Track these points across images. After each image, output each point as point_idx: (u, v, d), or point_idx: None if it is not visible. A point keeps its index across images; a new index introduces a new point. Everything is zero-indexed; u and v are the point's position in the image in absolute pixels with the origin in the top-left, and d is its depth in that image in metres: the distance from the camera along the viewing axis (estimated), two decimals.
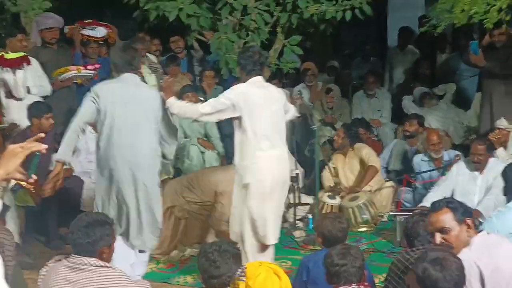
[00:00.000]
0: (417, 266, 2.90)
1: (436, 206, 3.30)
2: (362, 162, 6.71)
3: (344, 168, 6.80)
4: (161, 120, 4.91)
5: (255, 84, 4.84)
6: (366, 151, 6.70)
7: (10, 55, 6.53)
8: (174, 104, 4.83)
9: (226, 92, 4.88)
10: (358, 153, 6.73)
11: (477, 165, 5.93)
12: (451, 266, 2.84)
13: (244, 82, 4.85)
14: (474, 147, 5.96)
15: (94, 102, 4.82)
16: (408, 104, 7.94)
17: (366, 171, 6.61)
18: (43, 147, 2.16)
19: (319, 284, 3.76)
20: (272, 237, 4.84)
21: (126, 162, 4.74)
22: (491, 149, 6.01)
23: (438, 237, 3.25)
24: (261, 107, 4.77)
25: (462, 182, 5.99)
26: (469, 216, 3.28)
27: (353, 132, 6.81)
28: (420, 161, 6.69)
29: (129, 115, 4.77)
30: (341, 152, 6.83)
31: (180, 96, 7.27)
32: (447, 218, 3.23)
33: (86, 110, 4.85)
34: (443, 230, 3.24)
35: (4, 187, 2.26)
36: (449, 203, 3.31)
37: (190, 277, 5.18)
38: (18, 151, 2.13)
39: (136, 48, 5.20)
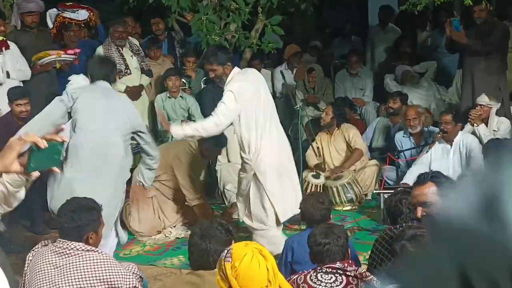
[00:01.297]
0: (396, 244, 2.92)
1: (421, 179, 3.30)
2: (348, 143, 6.74)
3: (329, 146, 6.83)
4: (133, 130, 4.75)
5: (243, 75, 4.94)
6: (353, 133, 6.73)
7: None
8: (184, 130, 4.84)
9: (229, 96, 4.83)
10: (344, 134, 6.75)
11: (446, 136, 6.05)
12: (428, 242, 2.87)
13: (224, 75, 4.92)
14: (441, 117, 6.19)
15: (65, 106, 4.67)
16: (390, 83, 7.97)
17: (351, 153, 6.64)
18: (37, 140, 2.12)
19: (303, 264, 3.79)
20: (290, 212, 4.99)
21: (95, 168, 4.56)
22: (459, 121, 6.10)
23: (419, 211, 3.25)
24: (253, 96, 4.88)
25: (436, 157, 6.08)
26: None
27: (341, 111, 6.81)
28: (401, 138, 6.76)
29: (99, 125, 4.61)
30: (326, 131, 6.84)
31: (163, 79, 7.25)
32: (430, 192, 3.22)
33: (53, 111, 4.69)
34: (425, 204, 3.24)
35: (27, 178, 2.24)
36: (434, 177, 3.30)
37: (176, 259, 5.20)
38: (14, 143, 2.12)
39: (114, 63, 5.13)
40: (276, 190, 4.95)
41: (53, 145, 2.21)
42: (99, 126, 4.61)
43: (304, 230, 4.26)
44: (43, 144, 2.13)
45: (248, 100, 4.85)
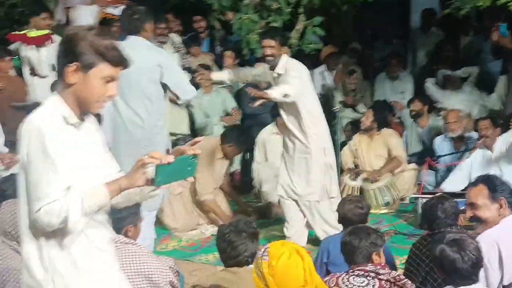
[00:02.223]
0: (435, 248, 2.91)
1: (475, 181, 3.40)
2: (388, 149, 6.66)
3: (368, 150, 6.75)
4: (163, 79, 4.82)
5: (299, 63, 5.28)
6: (395, 141, 6.65)
7: (34, 33, 6.57)
8: (272, 93, 4.93)
9: (295, 73, 5.10)
10: (385, 139, 6.66)
11: (487, 141, 5.95)
12: (468, 247, 2.86)
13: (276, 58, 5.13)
14: (479, 123, 6.16)
15: None
16: (431, 87, 7.87)
17: (390, 161, 6.57)
18: (164, 161, 2.29)
19: (338, 266, 3.78)
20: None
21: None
22: (497, 126, 6.03)
23: (469, 212, 3.32)
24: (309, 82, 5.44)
25: (476, 164, 6.01)
26: (507, 196, 3.28)
27: (381, 115, 6.75)
28: (441, 142, 6.68)
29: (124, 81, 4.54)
30: (366, 134, 6.78)
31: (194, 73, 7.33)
32: (480, 194, 3.29)
33: None
34: (473, 205, 3.30)
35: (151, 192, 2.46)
36: (487, 180, 3.36)
37: (211, 255, 5.23)
38: (142, 161, 2.31)
39: (133, 11, 5.00)
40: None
41: (184, 158, 2.35)
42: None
43: (340, 232, 4.25)
44: (167, 160, 2.29)
45: (307, 83, 5.24)
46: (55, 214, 2.22)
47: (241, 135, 6.22)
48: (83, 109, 2.39)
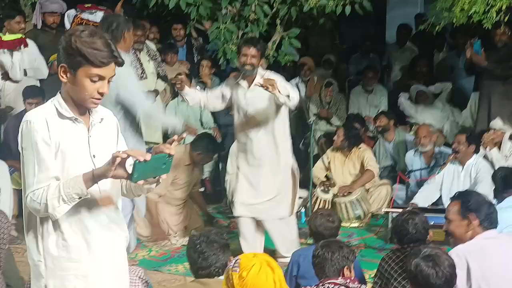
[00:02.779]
0: (410, 262, 2.93)
1: (454, 196, 3.53)
2: (362, 164, 6.70)
3: (342, 167, 6.77)
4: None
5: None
6: (368, 155, 6.68)
7: (8, 37, 6.51)
8: (280, 87, 4.86)
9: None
10: (359, 155, 6.70)
11: (458, 156, 6.02)
12: (443, 263, 2.89)
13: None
14: (456, 137, 6.19)
15: None
16: (404, 102, 7.95)
17: (362, 174, 6.61)
18: (141, 158, 2.39)
19: (308, 279, 3.78)
20: None
21: None
22: (472, 143, 6.06)
23: (444, 225, 3.46)
24: None
25: (447, 178, 6.07)
26: (477, 214, 3.35)
27: (353, 133, 6.77)
28: (411, 157, 6.73)
29: None
30: (341, 152, 6.80)
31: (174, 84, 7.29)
32: (452, 210, 3.42)
33: None
34: (447, 220, 3.44)
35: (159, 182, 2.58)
36: (462, 196, 3.49)
37: (181, 266, 5.20)
38: (116, 155, 2.41)
39: (112, 20, 4.94)
40: None
41: (160, 156, 2.45)
42: None
43: (311, 245, 4.26)
44: (144, 158, 2.38)
45: None
46: (37, 201, 2.44)
47: (210, 144, 6.16)
48: (80, 105, 2.54)
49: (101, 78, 2.48)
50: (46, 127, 2.48)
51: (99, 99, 2.52)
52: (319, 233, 4.14)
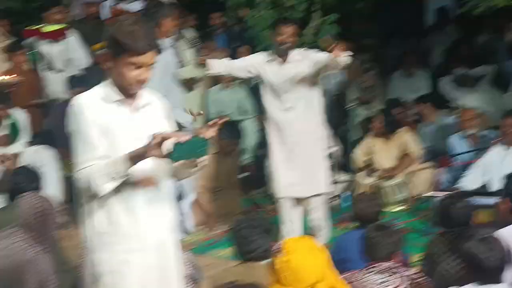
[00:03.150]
0: (462, 245, 2.90)
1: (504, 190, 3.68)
2: (404, 148, 6.63)
3: (382, 151, 6.71)
4: None
5: None
6: (409, 139, 6.61)
7: (49, 28, 6.61)
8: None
9: None
10: (401, 139, 6.63)
11: (505, 138, 5.87)
12: (497, 245, 2.84)
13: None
14: (503, 120, 6.02)
15: None
16: (447, 85, 7.84)
17: (404, 158, 6.54)
18: (179, 139, 2.48)
19: (353, 262, 3.77)
20: None
21: None
22: None
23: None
24: None
25: (492, 161, 5.96)
26: None
27: (391, 119, 6.69)
28: (456, 140, 6.63)
29: None
30: (382, 137, 6.72)
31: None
32: (503, 207, 3.53)
33: None
34: (496, 210, 3.60)
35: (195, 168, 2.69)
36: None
37: (227, 250, 5.22)
38: (157, 136, 2.51)
39: (152, 5, 5.08)
40: None
41: (197, 138, 2.53)
42: None
43: (355, 229, 4.24)
44: (181, 138, 2.47)
45: None
46: (83, 180, 2.59)
47: (233, 129, 6.13)
48: (124, 89, 2.65)
49: (140, 66, 2.57)
50: (92, 109, 2.61)
51: (140, 85, 2.61)
52: (362, 216, 4.14)
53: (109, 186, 2.56)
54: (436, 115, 7.20)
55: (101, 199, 2.61)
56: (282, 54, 5.09)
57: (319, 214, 5.29)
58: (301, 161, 5.10)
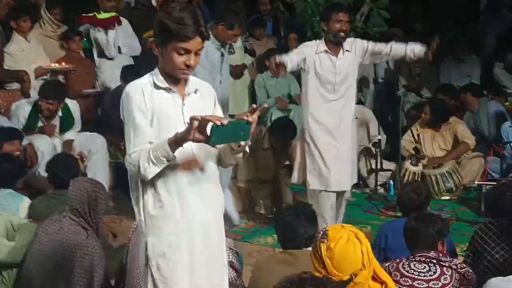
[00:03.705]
0: None
1: None
2: (455, 137, 6.53)
3: (432, 141, 6.62)
4: None
5: None
6: (461, 128, 6.50)
7: (102, 15, 6.73)
8: None
9: None
10: (452, 129, 6.52)
11: None
12: None
13: None
14: None
15: None
16: (499, 72, 7.67)
17: (457, 146, 6.43)
18: (218, 122, 2.49)
19: (397, 252, 3.76)
20: None
21: None
22: None
23: None
24: None
25: None
26: None
27: (440, 108, 6.55)
28: (508, 128, 6.48)
29: None
30: (430, 127, 6.61)
31: (265, 59, 7.31)
32: None
33: None
34: None
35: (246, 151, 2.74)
36: None
37: (270, 238, 5.28)
38: (195, 118, 2.53)
39: None
40: None
41: (238, 122, 2.54)
42: None
43: (400, 218, 4.23)
44: (220, 122, 2.48)
45: None
46: (132, 164, 2.65)
47: (286, 128, 5.88)
48: (174, 76, 2.70)
49: (187, 51, 2.63)
50: (142, 96, 2.67)
51: (188, 70, 2.66)
52: (406, 205, 4.11)
53: (155, 170, 2.61)
54: (485, 103, 7.04)
55: (149, 183, 2.68)
56: (337, 43, 4.92)
57: (344, 204, 5.27)
58: (345, 154, 5.01)
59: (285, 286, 2.35)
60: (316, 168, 5.00)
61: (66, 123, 5.80)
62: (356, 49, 4.99)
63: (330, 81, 4.95)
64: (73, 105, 5.91)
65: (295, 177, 5.22)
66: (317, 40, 5.09)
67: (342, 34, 4.86)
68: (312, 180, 5.02)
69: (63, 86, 5.91)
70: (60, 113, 5.72)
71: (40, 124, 5.68)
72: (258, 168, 5.89)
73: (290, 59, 4.87)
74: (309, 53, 4.94)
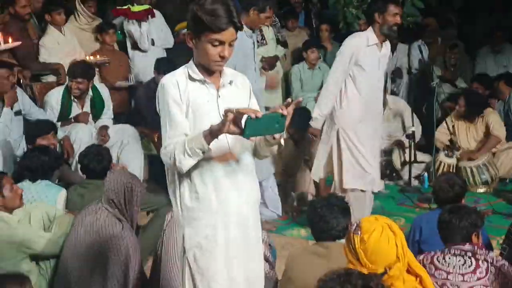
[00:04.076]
0: None
1: None
2: (487, 128, 6.44)
3: (467, 132, 6.53)
4: None
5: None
6: (493, 119, 6.40)
7: (136, 8, 6.77)
8: None
9: None
10: (485, 119, 6.44)
11: None
12: None
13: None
14: None
15: None
16: None
17: (488, 140, 6.35)
18: (253, 115, 2.50)
19: (431, 244, 3.74)
20: None
21: None
22: None
23: None
24: None
25: None
26: None
27: (475, 101, 6.46)
28: None
29: None
30: (465, 118, 6.53)
31: (302, 50, 7.30)
32: None
33: None
34: None
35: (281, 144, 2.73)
36: None
37: (303, 230, 5.28)
38: (229, 111, 2.54)
39: None
40: None
41: (272, 115, 2.53)
42: None
43: (434, 210, 4.19)
44: (255, 114, 2.48)
45: None
46: (167, 155, 2.65)
47: (301, 120, 5.50)
48: (208, 68, 2.71)
49: (221, 42, 2.63)
50: (177, 88, 2.68)
51: (222, 62, 2.67)
52: (441, 197, 4.08)
53: (190, 162, 2.63)
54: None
55: (185, 175, 2.70)
56: (391, 36, 4.79)
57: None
58: (378, 151, 5.01)
59: (332, 279, 2.35)
60: (358, 168, 4.88)
61: (98, 108, 5.89)
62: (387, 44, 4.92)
63: (375, 75, 4.84)
64: (102, 88, 6.00)
65: (317, 174, 5.16)
66: (364, 32, 4.90)
67: (395, 27, 4.75)
68: (354, 180, 4.89)
69: (89, 65, 5.97)
70: (90, 94, 5.80)
71: (73, 105, 5.75)
72: (283, 160, 5.90)
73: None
74: (358, 46, 4.78)
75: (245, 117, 2.52)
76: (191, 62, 2.74)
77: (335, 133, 4.95)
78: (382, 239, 2.70)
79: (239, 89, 2.80)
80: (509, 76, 7.05)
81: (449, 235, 3.37)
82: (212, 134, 2.59)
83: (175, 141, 2.63)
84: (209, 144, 2.61)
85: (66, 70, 6.00)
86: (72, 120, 5.76)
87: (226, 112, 2.53)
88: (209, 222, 2.73)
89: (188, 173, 2.69)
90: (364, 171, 4.89)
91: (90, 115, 5.84)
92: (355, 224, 2.79)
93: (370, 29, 4.81)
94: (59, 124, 5.66)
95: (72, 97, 5.74)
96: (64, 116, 5.73)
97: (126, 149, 5.77)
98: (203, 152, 2.62)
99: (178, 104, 2.66)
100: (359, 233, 2.73)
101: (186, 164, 2.63)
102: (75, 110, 5.79)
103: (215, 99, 2.72)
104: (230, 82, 2.77)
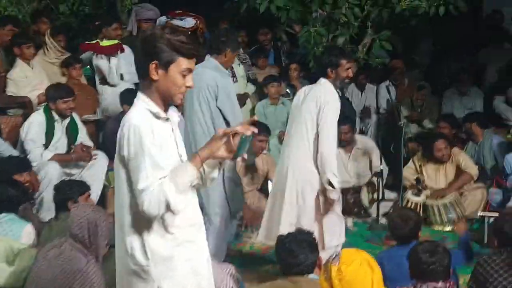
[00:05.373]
0: None
1: None
2: (457, 168, 6.51)
3: (435, 172, 6.58)
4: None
5: None
6: (463, 158, 6.48)
7: (106, 43, 6.78)
8: None
9: None
10: (455, 160, 6.51)
11: None
12: None
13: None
14: None
15: None
16: (500, 105, 7.69)
17: (460, 176, 6.42)
18: (248, 132, 2.50)
19: (394, 281, 3.71)
20: None
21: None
22: None
23: None
24: None
25: None
26: None
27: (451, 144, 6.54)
28: (511, 160, 6.46)
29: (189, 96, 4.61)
30: (436, 162, 6.57)
31: (262, 86, 7.36)
32: None
33: None
34: None
35: (218, 167, 2.68)
36: None
37: (271, 265, 5.23)
38: (220, 133, 2.55)
39: (223, 33, 4.85)
40: None
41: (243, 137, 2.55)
42: None
43: (394, 247, 4.21)
44: (250, 131, 2.51)
45: None
46: (156, 201, 2.47)
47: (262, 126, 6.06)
48: (167, 102, 2.61)
49: (190, 71, 2.60)
50: (151, 130, 2.53)
51: (185, 93, 2.62)
52: (396, 234, 4.11)
53: (183, 199, 2.54)
54: (488, 134, 7.03)
55: (161, 226, 2.58)
56: (341, 89, 4.93)
57: None
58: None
59: None
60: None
61: (74, 133, 5.99)
62: None
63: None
64: (75, 115, 6.07)
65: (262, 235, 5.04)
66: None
67: (347, 80, 4.87)
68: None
69: (65, 84, 6.04)
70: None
71: (56, 127, 5.81)
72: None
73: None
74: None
75: (237, 137, 2.55)
76: (143, 97, 2.59)
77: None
78: (359, 272, 2.72)
79: (175, 119, 2.73)
80: (481, 118, 7.12)
81: (419, 272, 3.35)
82: (202, 160, 2.55)
83: (159, 182, 2.48)
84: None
85: (33, 103, 5.96)
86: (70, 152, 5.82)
87: (222, 133, 2.54)
88: (186, 256, 2.66)
89: (160, 224, 2.58)
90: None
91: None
92: (334, 255, 2.80)
93: (326, 81, 4.72)
94: (50, 154, 5.67)
95: (56, 118, 5.78)
96: (49, 139, 5.73)
97: (92, 168, 5.81)
98: (191, 185, 2.58)
99: (157, 146, 2.51)
100: (337, 262, 2.73)
101: (180, 202, 2.52)
102: (58, 132, 5.83)
103: (174, 138, 2.66)
104: (178, 119, 2.74)
